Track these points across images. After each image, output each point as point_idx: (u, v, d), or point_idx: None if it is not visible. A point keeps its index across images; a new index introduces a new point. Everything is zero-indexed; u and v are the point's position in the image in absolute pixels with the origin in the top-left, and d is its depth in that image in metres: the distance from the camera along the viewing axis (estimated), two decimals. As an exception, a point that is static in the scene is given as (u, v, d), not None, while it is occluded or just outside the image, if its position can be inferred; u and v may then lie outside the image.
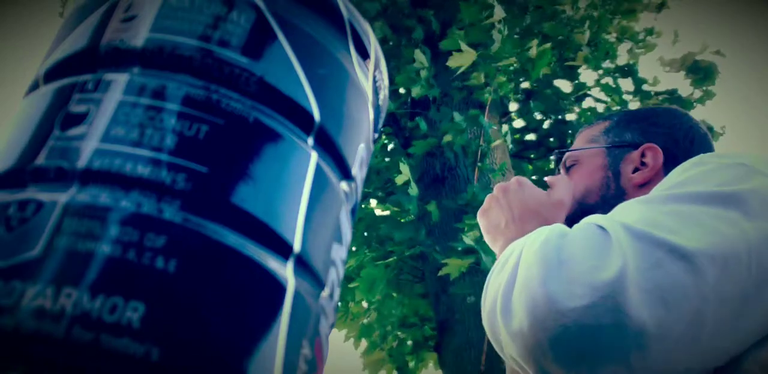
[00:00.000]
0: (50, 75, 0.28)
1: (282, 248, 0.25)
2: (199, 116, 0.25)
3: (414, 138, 3.40)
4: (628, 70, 4.01)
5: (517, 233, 0.77)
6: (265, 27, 0.29)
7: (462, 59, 2.82)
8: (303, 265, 0.26)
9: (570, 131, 4.12)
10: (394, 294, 3.48)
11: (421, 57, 3.05)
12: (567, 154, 0.94)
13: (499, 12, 2.87)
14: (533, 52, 2.97)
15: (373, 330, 3.58)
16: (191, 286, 0.21)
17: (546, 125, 4.24)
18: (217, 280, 0.22)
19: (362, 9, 3.32)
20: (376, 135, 0.38)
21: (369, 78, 0.35)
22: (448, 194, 3.12)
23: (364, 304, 3.68)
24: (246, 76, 0.27)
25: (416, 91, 3.08)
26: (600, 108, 4.06)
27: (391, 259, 3.22)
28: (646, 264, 0.52)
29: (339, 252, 0.29)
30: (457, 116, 3.03)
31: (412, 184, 2.97)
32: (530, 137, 4.31)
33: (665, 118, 0.90)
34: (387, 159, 3.91)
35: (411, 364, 3.54)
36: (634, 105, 4.01)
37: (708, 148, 0.87)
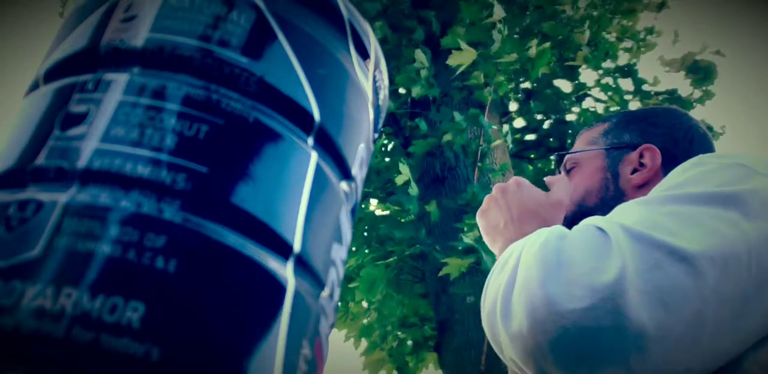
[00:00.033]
0: (50, 75, 0.28)
1: (282, 248, 0.25)
2: (199, 116, 0.25)
3: (414, 138, 3.40)
4: (628, 71, 4.01)
5: (515, 233, 0.77)
6: (265, 27, 0.29)
7: (462, 58, 2.82)
8: (303, 265, 0.26)
9: (570, 131, 4.11)
10: (394, 294, 3.48)
11: (421, 57, 3.05)
12: (567, 156, 0.94)
13: (498, 11, 2.87)
14: (533, 51, 2.98)
15: (373, 330, 3.58)
16: (191, 286, 0.21)
17: (546, 125, 4.24)
18: (217, 280, 0.22)
19: (362, 9, 3.32)
20: (376, 135, 0.38)
21: (369, 78, 0.35)
22: (448, 193, 3.12)
23: (364, 304, 3.68)
24: (246, 76, 0.27)
25: (416, 91, 3.08)
26: (600, 108, 4.06)
27: (391, 259, 3.22)
28: (646, 266, 0.52)
29: (339, 252, 0.29)
30: (457, 116, 3.03)
31: (412, 184, 2.97)
32: (530, 137, 4.31)
33: (664, 118, 0.90)
34: (387, 159, 3.91)
35: (411, 364, 3.54)
36: (634, 105, 4.01)
37: (708, 148, 0.87)
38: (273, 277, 0.24)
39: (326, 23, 0.32)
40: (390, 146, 4.01)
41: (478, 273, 2.75)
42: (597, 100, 4.11)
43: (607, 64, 3.95)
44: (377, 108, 0.36)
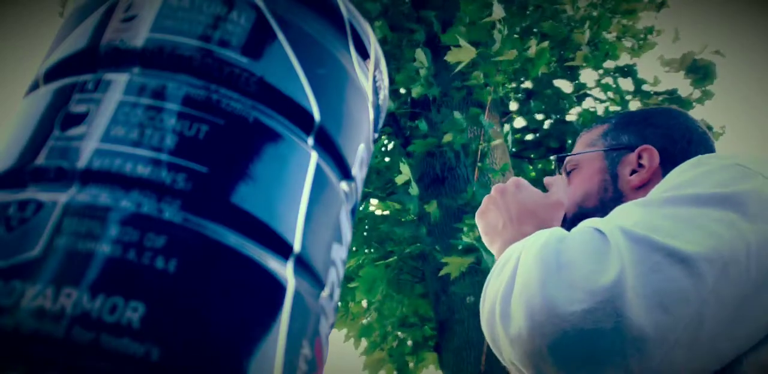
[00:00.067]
0: (50, 75, 0.28)
1: (282, 248, 0.25)
2: (199, 116, 0.25)
3: (414, 138, 3.40)
4: (628, 71, 4.01)
5: (514, 234, 0.77)
6: (265, 27, 0.29)
7: (461, 55, 2.82)
8: (303, 265, 0.26)
9: (570, 131, 4.11)
10: (394, 294, 3.48)
11: (421, 56, 3.05)
12: (567, 158, 0.94)
13: (498, 10, 2.87)
14: (532, 50, 2.98)
15: (373, 330, 3.59)
16: (191, 286, 0.21)
17: (546, 125, 4.23)
18: (217, 280, 0.22)
19: (363, 9, 3.32)
20: (376, 135, 0.38)
21: (369, 78, 0.35)
22: (448, 193, 3.12)
23: (364, 304, 3.68)
24: (246, 76, 0.27)
25: (416, 91, 3.08)
26: (600, 108, 4.06)
27: (391, 259, 3.22)
28: (645, 268, 0.52)
29: (339, 252, 0.29)
30: (458, 115, 3.03)
31: (413, 184, 2.97)
32: (530, 137, 4.31)
33: (662, 118, 0.90)
34: (387, 159, 3.91)
35: (411, 364, 3.54)
36: (634, 105, 4.01)
37: (707, 148, 0.87)
38: (273, 277, 0.24)
39: (326, 23, 0.32)
40: (390, 146, 4.01)
41: (478, 273, 2.75)
42: (597, 99, 4.11)
43: (607, 64, 3.96)
44: (377, 108, 0.36)
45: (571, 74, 4.06)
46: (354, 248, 3.54)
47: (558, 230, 0.62)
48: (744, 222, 0.56)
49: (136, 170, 0.23)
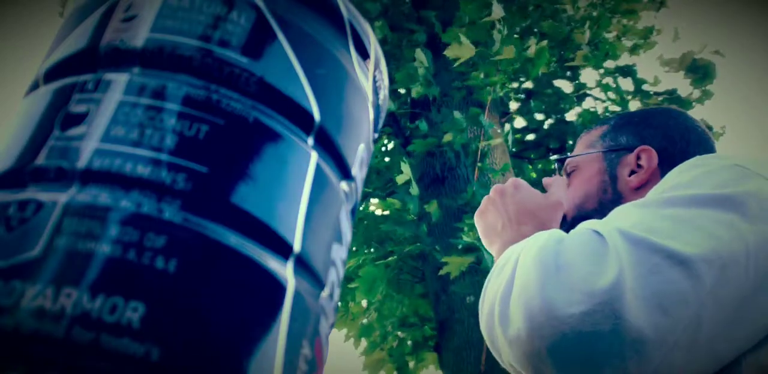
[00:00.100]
0: (50, 75, 0.28)
1: (282, 248, 0.25)
2: (199, 116, 0.25)
3: (414, 138, 3.41)
4: (628, 71, 4.01)
5: (513, 235, 0.77)
6: (265, 27, 0.29)
7: (460, 51, 2.82)
8: (303, 265, 0.26)
9: (570, 132, 4.11)
10: (394, 294, 3.48)
11: (421, 56, 3.05)
12: (567, 160, 0.94)
13: (497, 10, 2.87)
14: (532, 50, 2.98)
15: (373, 329, 3.59)
16: (191, 286, 0.21)
17: (546, 125, 4.23)
18: (217, 280, 0.22)
19: (363, 9, 3.32)
20: (376, 135, 0.38)
21: (369, 78, 0.35)
22: (448, 193, 3.12)
23: (364, 304, 3.68)
24: (246, 76, 0.27)
25: (416, 90, 3.08)
26: (600, 108, 4.06)
27: (391, 258, 3.22)
28: (644, 270, 0.52)
29: (339, 252, 0.29)
30: (458, 115, 3.03)
31: (413, 183, 2.97)
32: (530, 137, 4.31)
33: (661, 118, 0.90)
34: (387, 159, 3.91)
35: (411, 364, 3.54)
36: (634, 105, 4.01)
37: (707, 148, 0.86)
38: (273, 277, 0.24)
39: (326, 23, 0.32)
40: (390, 146, 4.01)
41: (478, 273, 2.75)
42: (596, 99, 4.11)
43: (608, 64, 3.96)
44: (377, 108, 0.36)
45: (572, 74, 4.06)
46: (354, 248, 3.54)
47: (556, 232, 0.62)
48: (743, 223, 0.56)
49: (136, 170, 0.23)
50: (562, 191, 0.86)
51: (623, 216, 0.60)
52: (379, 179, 3.81)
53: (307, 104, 0.28)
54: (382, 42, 3.44)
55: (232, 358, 0.21)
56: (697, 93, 4.05)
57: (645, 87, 4.03)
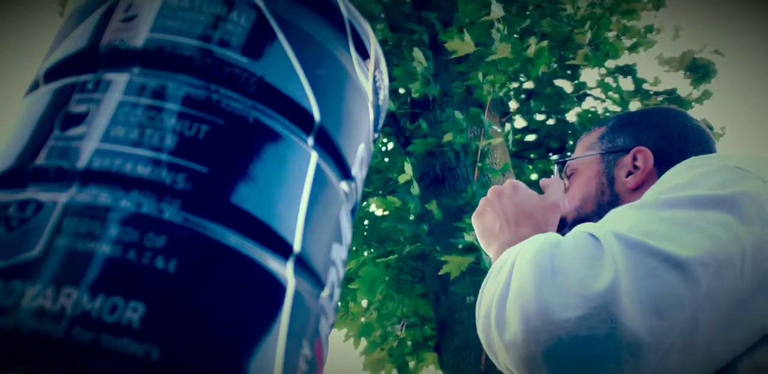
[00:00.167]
0: (50, 75, 0.28)
1: (282, 248, 0.25)
2: (199, 116, 0.25)
3: (414, 138, 3.41)
4: (628, 70, 4.01)
5: (511, 236, 0.77)
6: (265, 27, 0.29)
7: (460, 46, 2.82)
8: (303, 265, 0.26)
9: (570, 132, 4.11)
10: (394, 294, 3.48)
11: (419, 55, 3.05)
12: (567, 163, 0.94)
13: (497, 10, 2.87)
14: (532, 50, 2.98)
15: (373, 329, 3.58)
16: (191, 286, 0.21)
17: (546, 125, 4.23)
18: (217, 280, 0.22)
19: (363, 10, 3.32)
20: (376, 135, 0.38)
21: (369, 78, 0.35)
22: (448, 193, 3.12)
23: (364, 304, 3.68)
24: (246, 76, 0.27)
25: (415, 88, 3.08)
26: (600, 108, 4.06)
27: (391, 257, 3.22)
28: (641, 274, 0.52)
29: (339, 252, 0.29)
30: (458, 115, 3.03)
31: (414, 183, 2.97)
32: (530, 137, 4.31)
33: (659, 118, 0.89)
34: (387, 159, 3.91)
35: (411, 364, 3.54)
36: (634, 105, 4.01)
37: (707, 147, 0.86)
38: (273, 277, 0.24)
39: (326, 23, 0.32)
40: (390, 146, 4.01)
41: (478, 273, 2.75)
42: (596, 98, 4.11)
43: (608, 63, 3.96)
44: (377, 108, 0.36)
45: (572, 74, 4.06)
46: (354, 248, 3.54)
47: (553, 235, 0.62)
48: (740, 225, 0.56)
49: (136, 170, 0.23)
50: (559, 193, 0.86)
51: (620, 219, 0.60)
52: (379, 179, 3.81)
53: (307, 104, 0.28)
54: (383, 42, 3.45)
55: (232, 358, 0.21)
56: (696, 93, 4.05)
57: (645, 87, 4.03)
